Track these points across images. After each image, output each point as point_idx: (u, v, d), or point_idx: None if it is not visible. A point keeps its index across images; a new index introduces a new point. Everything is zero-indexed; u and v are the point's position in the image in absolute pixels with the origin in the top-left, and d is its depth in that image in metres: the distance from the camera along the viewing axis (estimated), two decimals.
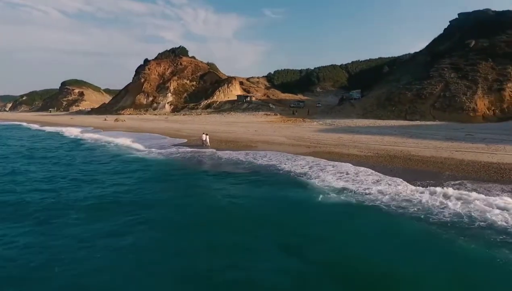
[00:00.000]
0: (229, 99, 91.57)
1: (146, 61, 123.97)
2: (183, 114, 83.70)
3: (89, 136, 40.50)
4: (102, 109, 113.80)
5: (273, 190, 14.45)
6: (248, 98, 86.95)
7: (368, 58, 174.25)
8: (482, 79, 47.10)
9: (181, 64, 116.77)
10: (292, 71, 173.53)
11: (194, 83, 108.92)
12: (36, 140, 39.26)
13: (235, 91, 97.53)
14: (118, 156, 24.58)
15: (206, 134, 29.25)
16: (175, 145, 29.82)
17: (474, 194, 11.89)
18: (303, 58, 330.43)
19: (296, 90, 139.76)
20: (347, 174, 16.12)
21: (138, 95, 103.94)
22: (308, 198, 12.90)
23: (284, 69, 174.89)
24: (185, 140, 33.31)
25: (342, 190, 13.55)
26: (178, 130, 44.85)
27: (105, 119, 78.50)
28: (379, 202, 11.95)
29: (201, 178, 17.48)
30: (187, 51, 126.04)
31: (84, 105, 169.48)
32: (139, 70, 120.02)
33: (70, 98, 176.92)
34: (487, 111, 44.13)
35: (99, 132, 45.26)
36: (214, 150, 25.61)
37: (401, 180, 14.59)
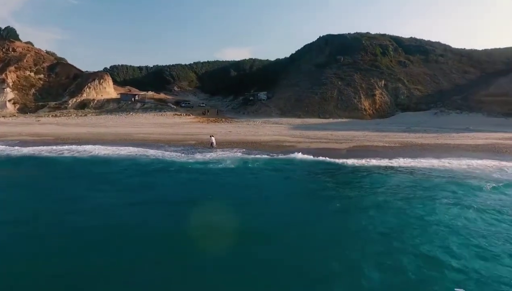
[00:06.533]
0: (107, 97, 79.51)
1: None
2: (52, 115, 66.32)
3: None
4: None
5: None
6: (137, 97, 78.64)
7: (207, 60, 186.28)
8: (360, 87, 64.36)
9: (14, 50, 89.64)
10: (132, 67, 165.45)
11: (42, 76, 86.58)
12: None
13: (109, 88, 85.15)
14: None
15: (212, 136, 29.42)
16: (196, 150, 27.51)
17: None
18: (121, 54, 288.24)
19: (149, 88, 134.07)
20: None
21: None
22: None
23: (123, 65, 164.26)
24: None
25: None
26: (129, 135, 38.51)
27: None
28: None
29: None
30: (17, 35, 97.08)
31: None
32: None
33: None
34: (369, 111, 61.21)
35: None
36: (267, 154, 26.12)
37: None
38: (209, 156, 24.04)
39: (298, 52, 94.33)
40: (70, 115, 65.48)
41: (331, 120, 56.61)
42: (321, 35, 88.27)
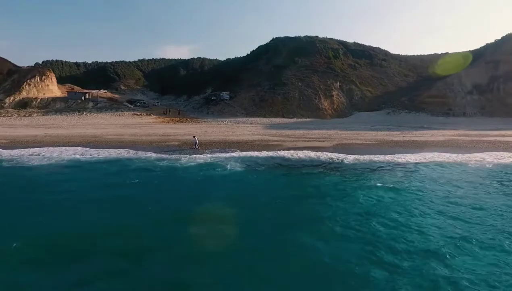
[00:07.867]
0: (51, 96, 72.19)
1: None
2: None
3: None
4: None
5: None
6: (87, 96, 72.73)
7: (153, 58, 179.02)
8: (319, 88, 67.95)
9: None
10: (68, 63, 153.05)
11: None
12: None
13: (53, 86, 77.18)
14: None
15: (195, 137, 29.57)
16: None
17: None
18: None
19: (91, 86, 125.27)
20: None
21: None
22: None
23: (58, 60, 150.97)
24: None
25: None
26: (95, 137, 36.06)
27: None
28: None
29: None
30: None
31: None
32: None
33: None
34: (329, 111, 65.02)
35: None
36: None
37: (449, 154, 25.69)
38: (211, 156, 23.96)
39: (253, 52, 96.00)
40: (11, 116, 58.21)
41: (295, 119, 58.98)
42: (274, 37, 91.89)
